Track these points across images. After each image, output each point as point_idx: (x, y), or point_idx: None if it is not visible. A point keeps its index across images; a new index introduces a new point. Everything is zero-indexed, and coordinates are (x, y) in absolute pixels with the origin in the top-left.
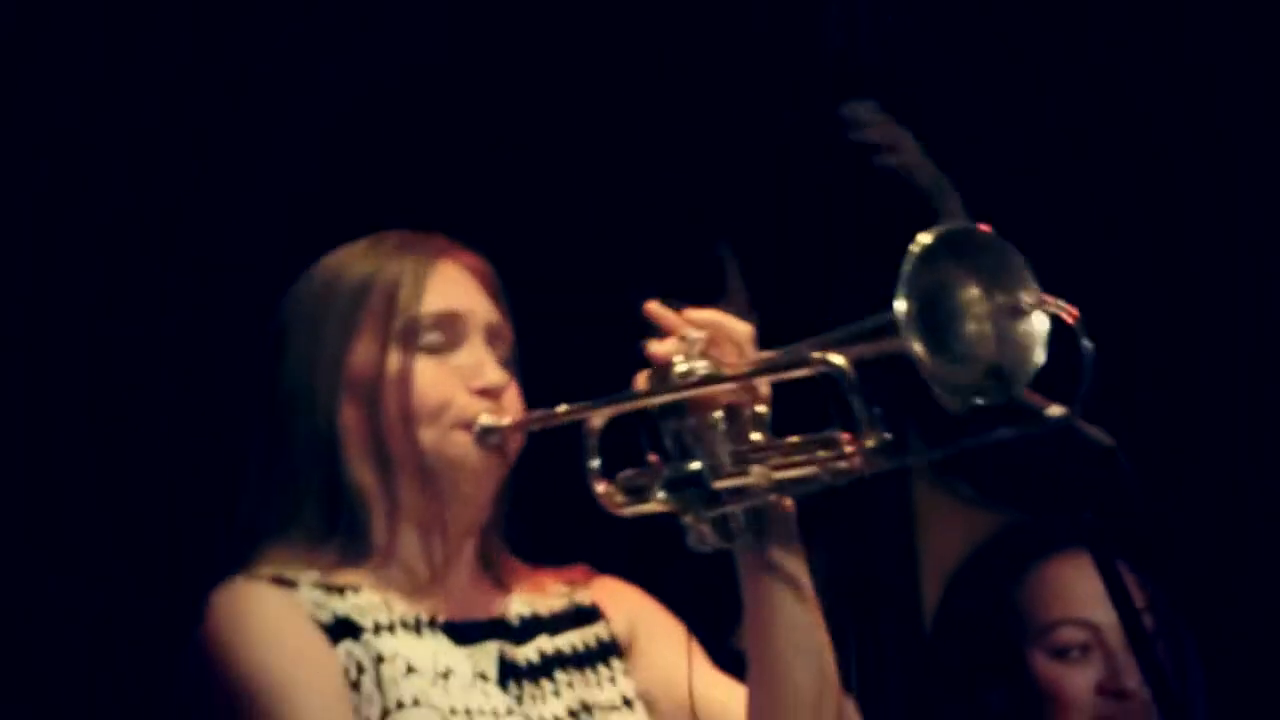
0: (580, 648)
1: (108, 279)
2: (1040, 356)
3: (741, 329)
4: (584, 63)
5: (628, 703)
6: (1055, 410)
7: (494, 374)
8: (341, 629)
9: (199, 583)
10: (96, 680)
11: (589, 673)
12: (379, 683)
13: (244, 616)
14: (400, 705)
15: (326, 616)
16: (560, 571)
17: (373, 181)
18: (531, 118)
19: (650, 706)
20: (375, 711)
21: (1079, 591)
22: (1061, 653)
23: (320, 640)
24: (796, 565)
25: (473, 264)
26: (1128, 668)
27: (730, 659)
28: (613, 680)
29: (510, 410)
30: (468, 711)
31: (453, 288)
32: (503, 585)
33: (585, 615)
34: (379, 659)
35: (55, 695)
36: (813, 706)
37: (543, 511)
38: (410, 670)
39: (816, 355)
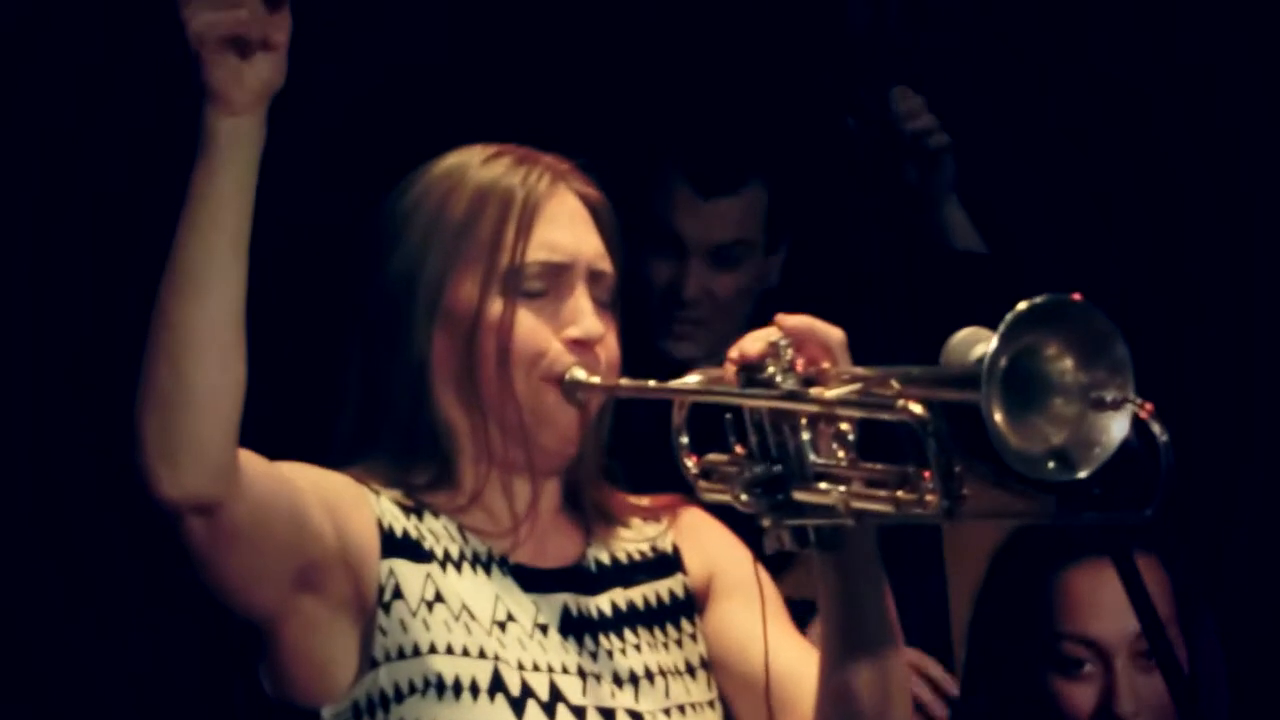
0: (654, 603)
1: (107, 279)
2: (1106, 456)
3: (835, 335)
4: (602, 54)
5: (691, 669)
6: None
7: (590, 323)
8: (402, 547)
9: None
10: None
11: (658, 632)
12: (424, 620)
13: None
14: (436, 649)
15: (397, 529)
16: (649, 502)
17: (372, 181)
18: (533, 117)
19: (719, 668)
20: (408, 645)
21: (1087, 605)
22: (1064, 667)
23: (371, 528)
24: (874, 575)
25: (587, 193)
26: (1126, 691)
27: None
28: (680, 643)
29: (604, 359)
30: (520, 664)
31: (562, 227)
32: (586, 525)
33: (664, 564)
34: (438, 596)
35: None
36: (879, 711)
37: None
38: (468, 615)
39: (900, 403)
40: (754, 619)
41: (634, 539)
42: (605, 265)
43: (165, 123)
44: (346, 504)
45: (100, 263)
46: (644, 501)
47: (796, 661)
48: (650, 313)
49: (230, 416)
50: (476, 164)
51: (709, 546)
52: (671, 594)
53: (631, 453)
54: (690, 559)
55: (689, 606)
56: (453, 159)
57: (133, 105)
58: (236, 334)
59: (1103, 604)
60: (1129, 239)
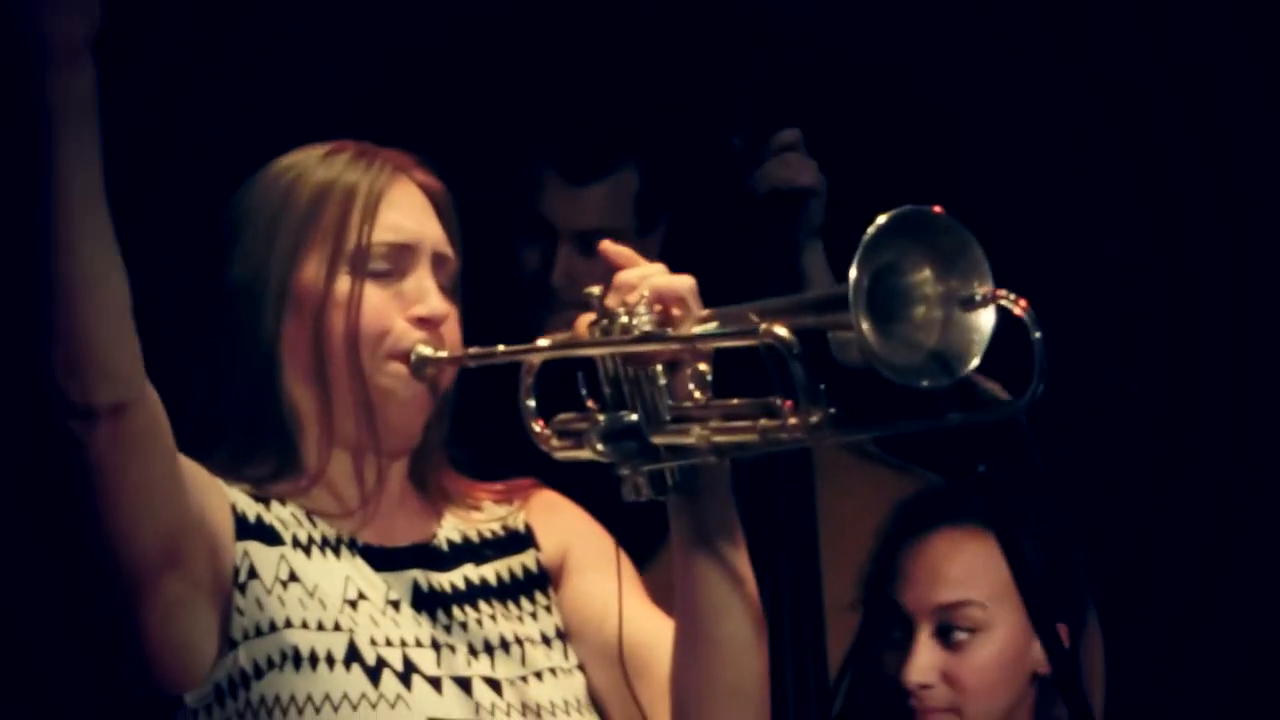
0: (506, 578)
1: None
2: (982, 349)
3: (685, 283)
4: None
5: (546, 639)
6: (1005, 398)
7: (435, 302)
8: (255, 531)
9: None
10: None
11: (512, 605)
12: (279, 598)
13: None
14: (292, 624)
15: (250, 514)
16: (502, 487)
17: None
18: (524, 110)
19: (576, 639)
20: (264, 622)
21: (903, 574)
22: (881, 635)
23: (225, 510)
24: (729, 518)
25: (428, 183)
26: (920, 660)
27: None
28: (534, 615)
29: (448, 340)
30: (373, 640)
31: (405, 213)
32: (435, 507)
33: (516, 541)
34: (292, 576)
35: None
36: (738, 660)
37: (488, 434)
38: (321, 594)
39: (764, 327)
40: (610, 591)
41: (485, 519)
42: (449, 250)
43: (165, 123)
44: (203, 484)
45: None
46: (496, 486)
47: (653, 630)
48: (525, 306)
49: (113, 310)
50: (316, 159)
51: (563, 524)
52: (524, 568)
53: (482, 439)
54: (543, 536)
55: (542, 580)
56: (291, 157)
57: (133, 105)
58: (103, 232)
59: (916, 573)
60: (1129, 239)
